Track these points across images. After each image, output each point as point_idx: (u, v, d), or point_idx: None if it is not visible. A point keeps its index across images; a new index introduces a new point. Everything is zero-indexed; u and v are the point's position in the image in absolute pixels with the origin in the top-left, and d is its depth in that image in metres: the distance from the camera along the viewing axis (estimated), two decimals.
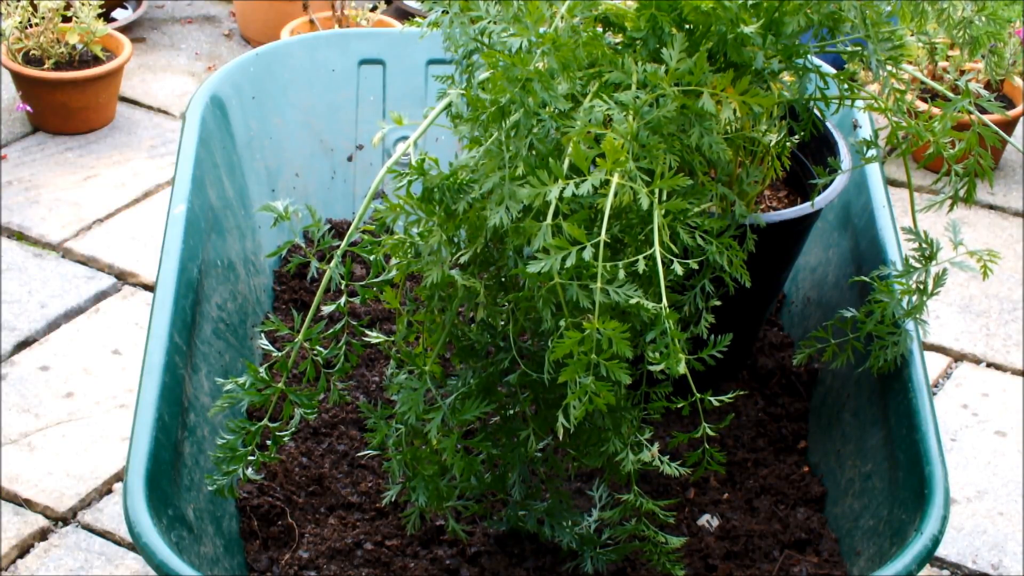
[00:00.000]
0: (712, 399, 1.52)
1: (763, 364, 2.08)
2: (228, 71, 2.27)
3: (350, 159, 2.40)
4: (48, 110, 4.01)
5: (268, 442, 1.66)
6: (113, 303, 3.39)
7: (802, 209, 1.84)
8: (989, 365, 3.34)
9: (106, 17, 4.25)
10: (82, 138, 4.03)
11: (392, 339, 1.65)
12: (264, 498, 1.81)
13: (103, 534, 2.76)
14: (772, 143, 1.78)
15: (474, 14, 1.58)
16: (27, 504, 2.81)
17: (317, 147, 2.38)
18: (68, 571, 2.67)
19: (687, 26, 1.57)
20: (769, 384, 2.06)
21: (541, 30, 1.51)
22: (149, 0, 4.74)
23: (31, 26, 3.99)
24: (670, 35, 1.53)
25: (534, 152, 1.46)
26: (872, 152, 1.84)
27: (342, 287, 1.62)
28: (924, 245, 1.80)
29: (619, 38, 1.62)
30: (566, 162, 1.43)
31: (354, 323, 1.68)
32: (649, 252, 1.42)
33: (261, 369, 1.59)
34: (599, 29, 1.63)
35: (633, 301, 1.39)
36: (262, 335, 1.66)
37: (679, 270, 1.43)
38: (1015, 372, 3.32)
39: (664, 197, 1.46)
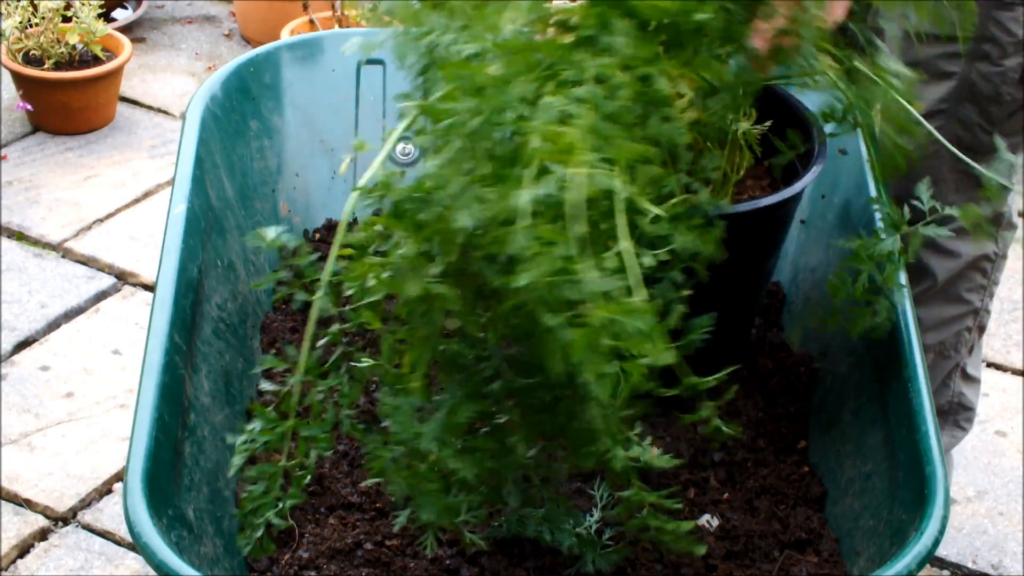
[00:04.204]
0: (702, 387, 1.50)
1: (763, 364, 2.08)
2: (228, 71, 2.27)
3: (352, 160, 2.40)
4: (48, 110, 4.01)
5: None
6: (113, 303, 3.39)
7: (774, 197, 1.84)
8: (989, 365, 3.34)
9: (106, 17, 4.25)
10: (82, 138, 4.03)
11: (380, 361, 1.64)
12: None
13: (103, 534, 2.76)
14: (741, 131, 1.79)
15: (425, 28, 1.59)
16: (27, 504, 2.81)
17: (317, 147, 2.38)
18: (68, 571, 2.68)
19: (638, 20, 1.57)
20: (769, 384, 2.06)
21: (493, 36, 1.51)
22: (149, 0, 4.75)
23: (31, 26, 3.99)
24: (618, 27, 1.53)
25: (495, 157, 1.46)
26: (830, 128, 1.83)
27: (332, 315, 1.62)
28: (890, 213, 1.79)
29: (571, 38, 1.61)
30: (532, 165, 1.42)
31: (351, 349, 1.67)
32: (618, 248, 1.41)
33: (269, 409, 1.58)
34: (551, 31, 1.63)
35: (615, 290, 1.38)
36: (261, 377, 1.65)
37: (649, 262, 1.42)
38: (1015, 372, 3.32)
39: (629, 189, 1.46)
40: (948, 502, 1.61)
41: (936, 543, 1.57)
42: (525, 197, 1.38)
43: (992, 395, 3.23)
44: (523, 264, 1.36)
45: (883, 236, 1.78)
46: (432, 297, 1.51)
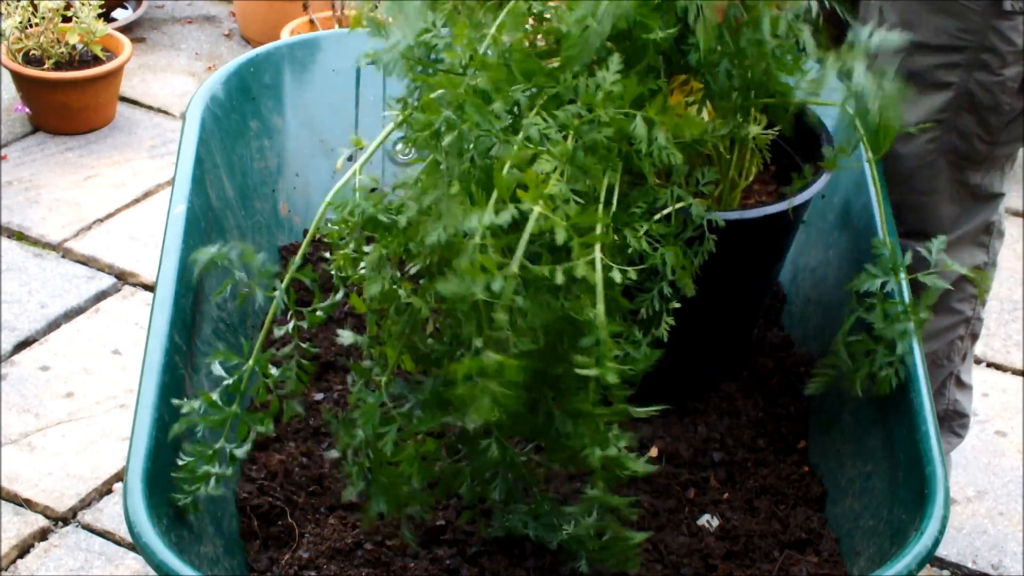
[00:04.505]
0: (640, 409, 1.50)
1: (763, 364, 2.08)
2: (228, 71, 2.27)
3: (350, 159, 2.40)
4: (48, 110, 4.01)
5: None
6: (113, 303, 3.39)
7: (780, 206, 1.84)
8: (989, 365, 3.34)
9: (106, 17, 4.25)
10: (82, 138, 4.03)
11: (359, 341, 1.68)
12: (264, 498, 1.81)
13: (103, 534, 2.76)
14: (751, 136, 1.78)
15: (424, 38, 1.61)
16: (27, 504, 2.81)
17: (317, 147, 2.38)
18: (68, 571, 2.68)
19: (625, 41, 1.59)
20: (769, 384, 2.06)
21: (482, 49, 1.53)
22: (149, 0, 4.74)
23: (31, 26, 3.99)
24: (606, 51, 1.54)
25: (475, 168, 1.48)
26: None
27: (290, 315, 1.69)
28: (890, 256, 1.77)
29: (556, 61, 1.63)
30: (499, 192, 1.45)
31: (303, 344, 1.71)
32: (588, 258, 1.43)
33: (215, 395, 1.63)
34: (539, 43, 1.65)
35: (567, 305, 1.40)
36: (215, 361, 1.71)
37: (618, 278, 1.44)
38: (1015, 372, 3.32)
39: (615, 202, 1.49)
40: (948, 502, 1.60)
41: (936, 543, 1.57)
42: (475, 221, 1.40)
43: (992, 395, 3.23)
44: (460, 277, 1.39)
45: (880, 274, 1.76)
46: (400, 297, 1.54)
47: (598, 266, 1.43)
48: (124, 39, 4.11)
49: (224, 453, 1.66)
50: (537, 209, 1.41)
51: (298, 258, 1.67)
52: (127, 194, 3.80)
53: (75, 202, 3.74)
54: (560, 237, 1.41)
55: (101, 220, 3.68)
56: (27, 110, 3.96)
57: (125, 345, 3.24)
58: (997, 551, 2.82)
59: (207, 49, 4.58)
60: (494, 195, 1.43)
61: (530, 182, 1.41)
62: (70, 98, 3.99)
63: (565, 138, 1.48)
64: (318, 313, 1.72)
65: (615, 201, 1.52)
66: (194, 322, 1.85)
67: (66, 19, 4.00)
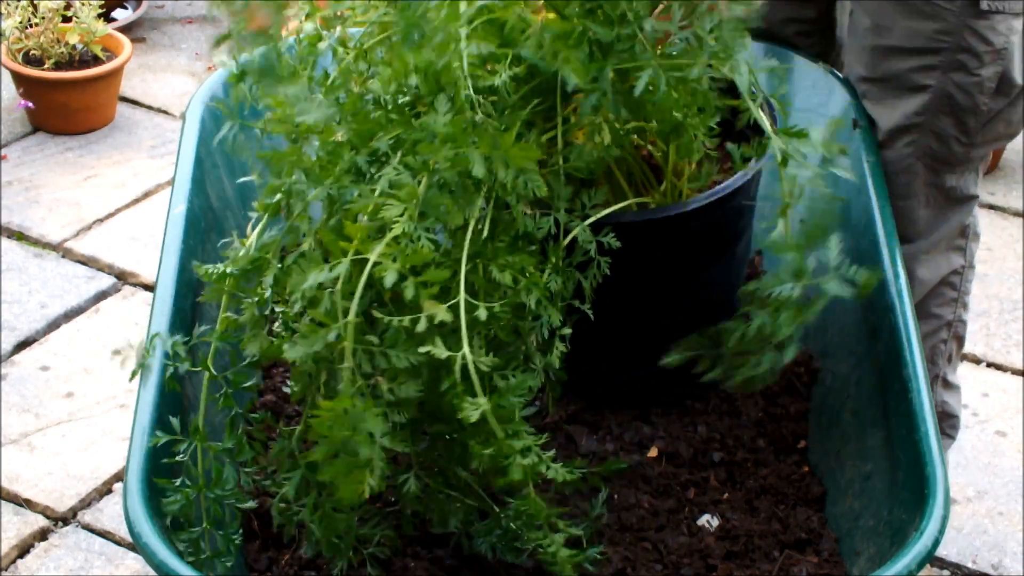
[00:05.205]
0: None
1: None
2: (228, 70, 2.27)
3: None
4: (48, 110, 4.01)
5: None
6: (113, 303, 3.39)
7: (712, 193, 1.81)
8: (989, 365, 3.34)
9: (106, 17, 4.25)
10: (82, 138, 4.03)
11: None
12: (264, 498, 1.81)
13: (103, 534, 2.76)
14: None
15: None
16: (27, 504, 2.81)
17: None
18: (68, 571, 2.68)
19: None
20: (769, 384, 2.06)
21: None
22: (149, 0, 4.74)
23: (31, 26, 3.99)
24: (439, 92, 1.56)
25: (334, 222, 1.54)
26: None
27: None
28: (794, 260, 1.71)
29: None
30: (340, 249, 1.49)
31: (240, 410, 1.70)
32: (453, 301, 1.46)
33: (177, 481, 1.61)
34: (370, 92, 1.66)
35: (402, 363, 1.44)
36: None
37: (482, 315, 1.46)
38: (1015, 372, 3.32)
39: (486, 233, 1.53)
40: (948, 502, 1.61)
41: (936, 543, 1.57)
42: (310, 281, 1.46)
43: (992, 395, 3.23)
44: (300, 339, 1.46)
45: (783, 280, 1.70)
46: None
47: (462, 307, 1.46)
48: (124, 39, 4.11)
49: (214, 538, 1.63)
50: (372, 257, 1.45)
51: (219, 324, 1.68)
52: (127, 194, 3.80)
53: (75, 202, 3.74)
54: (389, 280, 1.43)
55: (101, 220, 3.68)
56: (29, 104, 3.95)
57: (125, 345, 3.24)
58: (997, 551, 2.82)
59: (207, 49, 4.58)
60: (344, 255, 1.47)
61: (356, 235, 1.46)
62: (70, 98, 3.99)
63: (420, 181, 1.50)
64: (248, 382, 1.72)
65: (486, 233, 1.55)
66: (194, 322, 1.85)
67: (66, 19, 4.00)
